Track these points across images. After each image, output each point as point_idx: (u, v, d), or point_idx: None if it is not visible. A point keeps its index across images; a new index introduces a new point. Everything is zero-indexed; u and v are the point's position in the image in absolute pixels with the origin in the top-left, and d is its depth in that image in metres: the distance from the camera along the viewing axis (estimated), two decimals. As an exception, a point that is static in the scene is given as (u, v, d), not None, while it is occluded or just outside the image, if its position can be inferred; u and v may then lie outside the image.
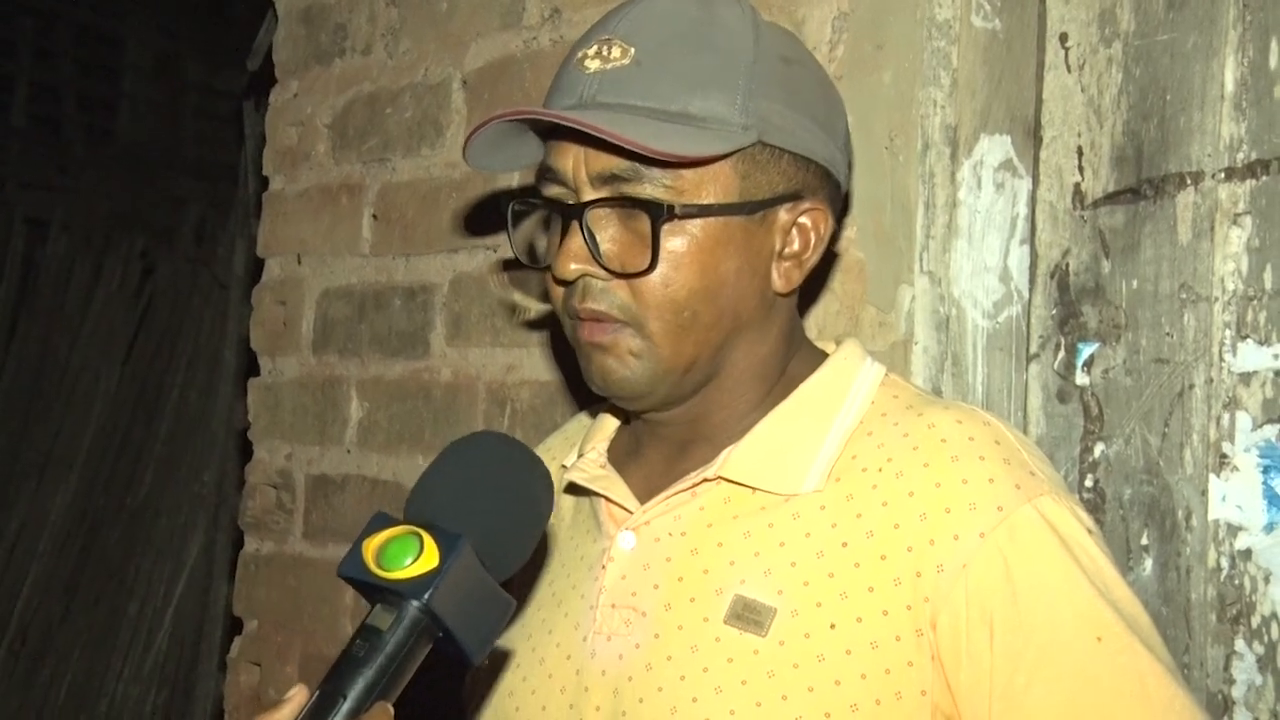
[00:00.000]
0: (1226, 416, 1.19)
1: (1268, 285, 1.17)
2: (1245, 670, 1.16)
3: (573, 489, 1.13)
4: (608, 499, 1.07)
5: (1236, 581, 1.17)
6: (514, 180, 1.64)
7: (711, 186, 0.98)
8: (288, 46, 2.05)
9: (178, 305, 4.88)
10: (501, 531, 0.87)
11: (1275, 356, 1.17)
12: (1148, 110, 1.25)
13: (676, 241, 0.97)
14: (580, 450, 1.14)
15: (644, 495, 1.06)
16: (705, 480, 1.02)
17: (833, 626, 0.92)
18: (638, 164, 0.96)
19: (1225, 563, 1.18)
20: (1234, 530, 1.18)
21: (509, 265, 1.68)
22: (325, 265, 1.96)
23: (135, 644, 4.51)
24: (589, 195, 0.98)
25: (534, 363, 1.64)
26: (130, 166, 6.13)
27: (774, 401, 1.04)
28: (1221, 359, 1.20)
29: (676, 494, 1.03)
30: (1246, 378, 1.18)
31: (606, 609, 1.03)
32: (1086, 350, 1.28)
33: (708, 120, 0.97)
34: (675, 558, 1.01)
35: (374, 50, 1.89)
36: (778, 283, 1.02)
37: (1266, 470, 1.16)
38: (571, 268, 0.98)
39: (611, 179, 0.97)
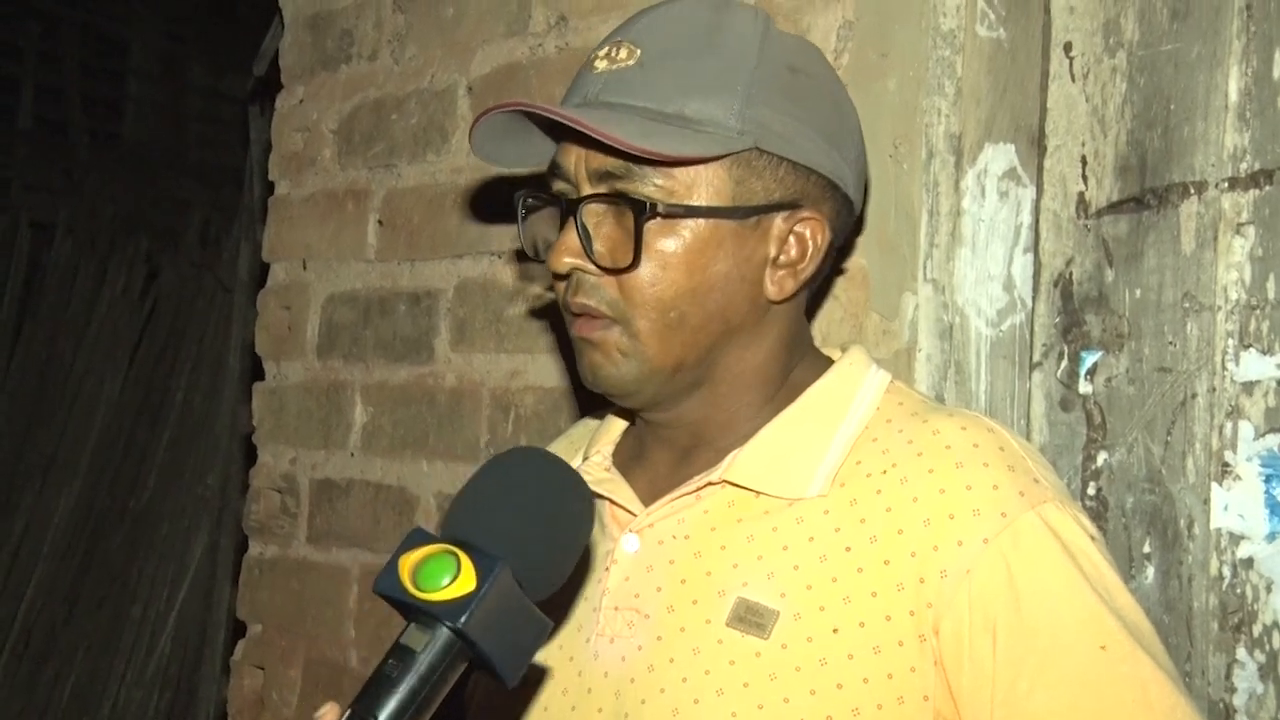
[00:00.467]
0: (1229, 425, 1.19)
1: (1270, 295, 1.18)
2: (1247, 679, 1.16)
3: None
4: (612, 501, 1.08)
5: (1238, 590, 1.18)
6: (522, 180, 1.65)
7: (704, 189, 0.99)
8: (294, 52, 2.06)
9: (182, 309, 4.89)
10: (540, 552, 0.85)
11: (1278, 366, 1.17)
12: (1152, 120, 1.26)
13: (666, 241, 0.98)
14: (585, 454, 1.15)
15: (648, 498, 1.06)
16: (710, 484, 1.02)
17: (835, 630, 0.93)
18: (631, 163, 0.97)
19: (1227, 571, 1.19)
20: (1236, 539, 1.18)
21: (521, 256, 1.69)
22: (330, 270, 1.96)
23: (138, 647, 4.51)
24: (587, 191, 1.00)
25: (538, 368, 1.65)
26: (135, 170, 6.16)
27: (778, 407, 1.05)
28: (1224, 368, 1.20)
29: (680, 497, 1.04)
30: (1249, 387, 1.19)
31: (610, 611, 1.03)
32: (1090, 359, 1.29)
33: (703, 123, 0.98)
34: (678, 560, 1.02)
35: (380, 56, 1.90)
36: (771, 290, 1.02)
37: (1269, 479, 1.17)
38: (565, 261, 1.00)
39: (607, 176, 0.99)
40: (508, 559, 0.81)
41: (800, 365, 1.08)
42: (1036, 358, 1.32)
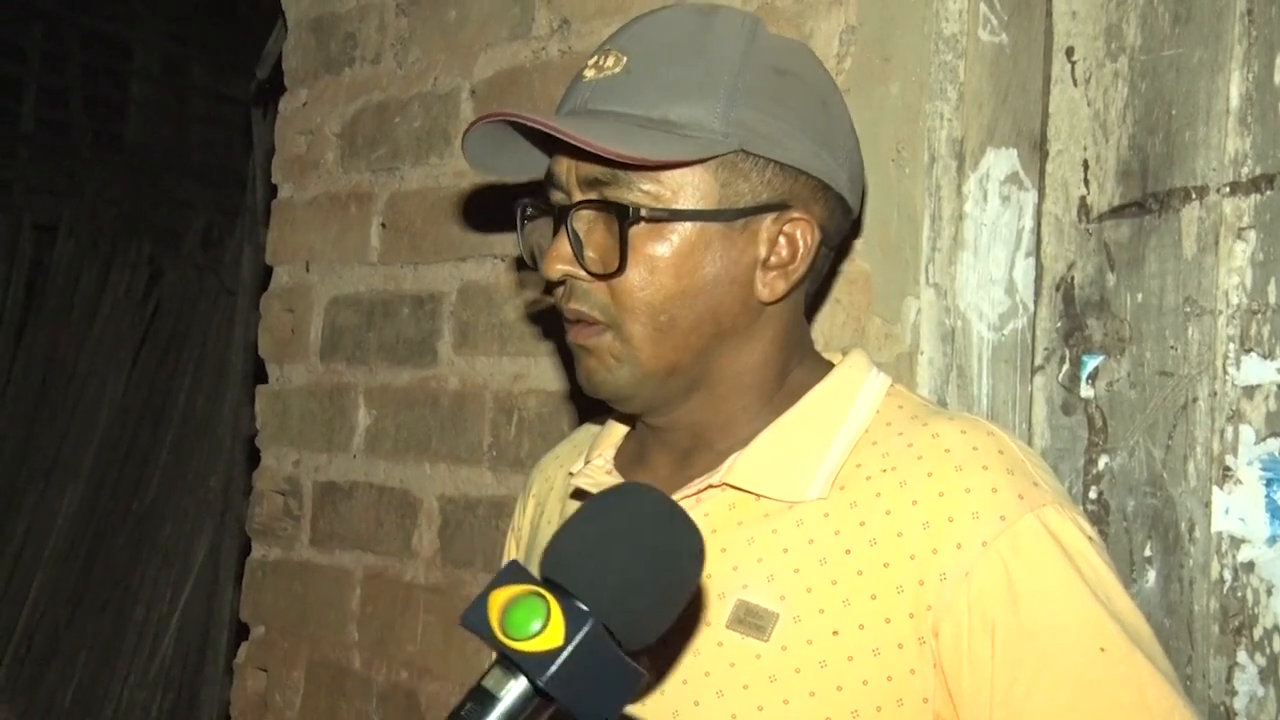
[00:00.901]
0: (1230, 429, 1.20)
1: (1271, 299, 1.18)
2: (1247, 682, 1.17)
3: (579, 494, 1.14)
4: None
5: (1239, 594, 1.18)
6: (522, 188, 1.66)
7: (690, 192, 0.99)
8: (297, 55, 2.06)
9: (184, 311, 4.89)
10: (641, 603, 0.80)
11: (1279, 370, 1.17)
12: (1153, 125, 1.26)
13: (654, 245, 0.99)
14: (587, 457, 1.15)
15: None
16: (710, 486, 1.03)
17: (835, 633, 0.93)
18: (617, 169, 0.97)
19: (1228, 575, 1.19)
20: (1237, 543, 1.19)
21: (520, 264, 1.70)
22: (333, 273, 1.97)
23: (141, 649, 4.52)
24: (577, 197, 1.01)
25: (541, 372, 1.66)
26: (137, 172, 6.17)
27: (778, 409, 1.05)
28: (1225, 372, 1.20)
29: (681, 500, 1.04)
30: (1250, 391, 1.19)
31: None
32: (1091, 363, 1.29)
33: (687, 127, 0.98)
34: None
35: (383, 59, 1.91)
36: (762, 291, 1.02)
37: (1269, 483, 1.17)
38: (556, 268, 1.01)
39: (595, 183, 0.99)
40: (601, 608, 0.77)
41: (800, 368, 1.08)
42: (1038, 361, 1.32)
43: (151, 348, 4.90)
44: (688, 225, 0.99)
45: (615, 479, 1.10)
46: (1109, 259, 1.28)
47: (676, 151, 0.97)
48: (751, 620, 0.97)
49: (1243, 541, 1.18)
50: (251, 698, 2.03)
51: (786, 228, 1.02)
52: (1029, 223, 1.34)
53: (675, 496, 1.04)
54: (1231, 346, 1.20)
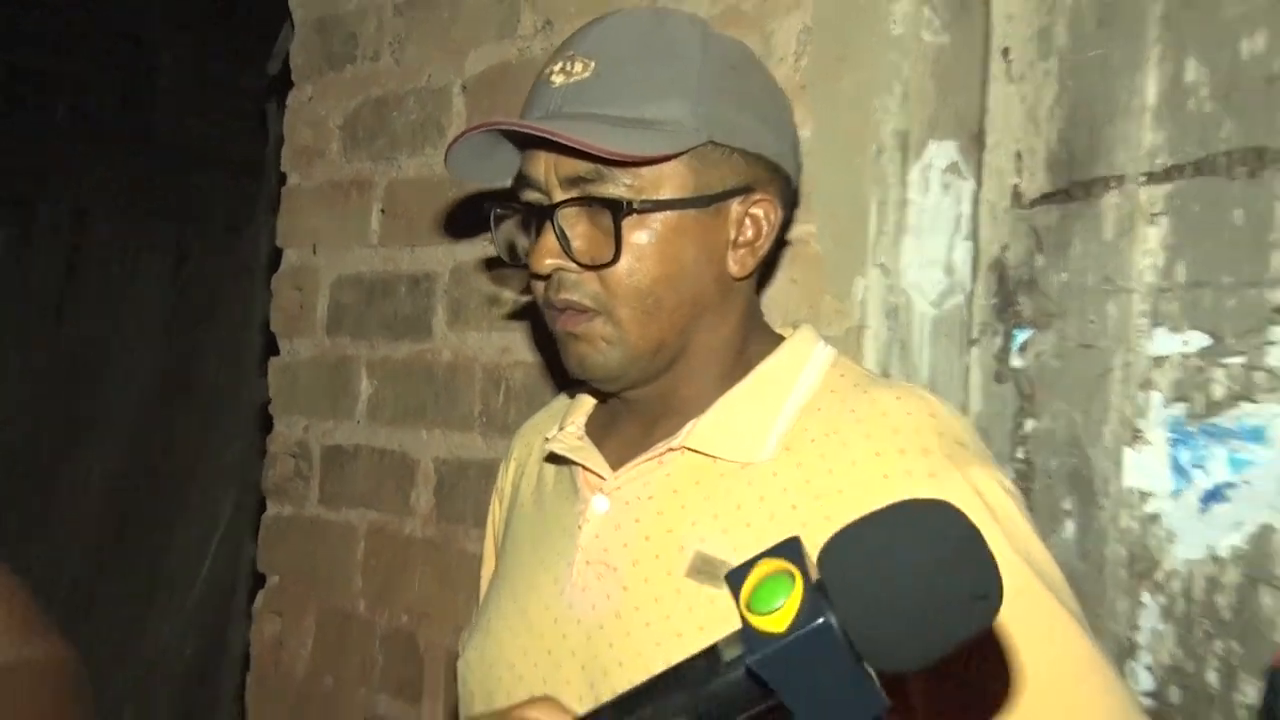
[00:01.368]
0: (1141, 396, 1.23)
1: (1180, 278, 1.21)
2: (1149, 618, 1.21)
3: (554, 459, 1.16)
4: (584, 467, 1.10)
5: (1144, 542, 1.22)
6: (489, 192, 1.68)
7: (668, 183, 1.00)
8: (303, 53, 2.07)
9: (208, 290, 4.91)
10: (899, 625, 0.68)
11: (1185, 343, 1.20)
12: (1079, 119, 1.28)
13: (639, 235, 1.00)
14: (561, 424, 1.16)
15: (616, 464, 1.08)
16: (671, 450, 1.04)
17: None
18: (600, 166, 0.98)
19: (1135, 525, 1.22)
20: (1144, 497, 1.22)
21: (493, 264, 1.71)
22: (337, 255, 1.99)
23: (174, 597, 4.56)
24: (559, 197, 1.01)
25: (526, 345, 1.68)
26: (165, 161, 6.15)
27: (734, 380, 1.06)
28: (1138, 344, 1.23)
29: (646, 462, 1.05)
30: (1159, 361, 1.22)
31: (582, 565, 1.05)
32: (1021, 336, 1.31)
33: (662, 123, 0.99)
34: (643, 519, 1.04)
35: (382, 57, 1.92)
36: (734, 268, 1.04)
37: (1174, 444, 1.20)
38: (547, 263, 1.01)
39: (578, 181, 1.00)
40: (847, 616, 0.67)
41: (755, 342, 1.09)
42: (974, 335, 1.35)
43: (180, 324, 4.92)
44: (669, 214, 1.00)
45: (586, 445, 1.11)
46: (1038, 242, 1.31)
47: (659, 146, 0.98)
48: (708, 570, 0.98)
49: (1149, 495, 1.22)
50: (268, 640, 2.07)
51: (752, 209, 1.04)
52: (967, 209, 1.35)
53: (640, 459, 1.06)
54: (1144, 321, 1.23)
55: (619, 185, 0.99)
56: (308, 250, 2.04)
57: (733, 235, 1.04)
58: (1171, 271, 1.22)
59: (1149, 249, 1.23)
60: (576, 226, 1.01)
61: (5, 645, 1.20)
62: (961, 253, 1.35)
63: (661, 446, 1.05)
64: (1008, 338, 1.32)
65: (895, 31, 1.32)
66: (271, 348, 2.12)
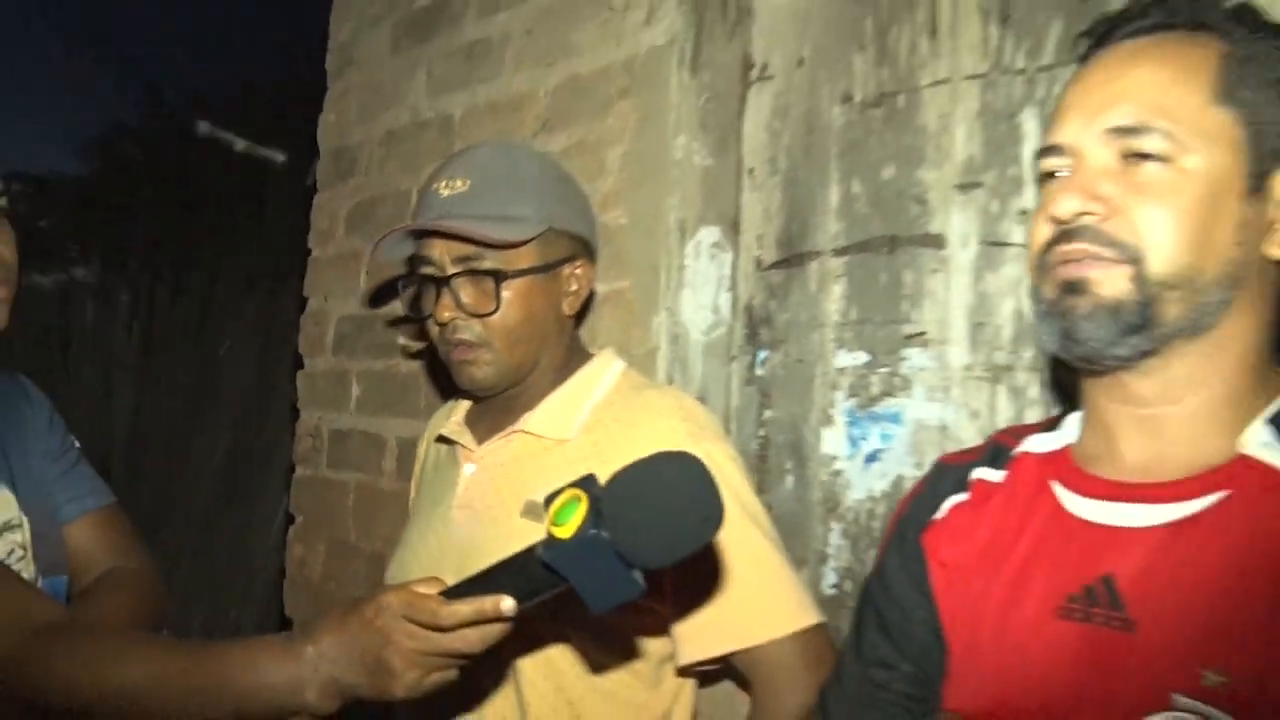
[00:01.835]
0: (831, 394, 1.25)
1: (853, 317, 1.24)
2: (834, 539, 1.24)
3: (442, 440, 1.17)
4: (462, 445, 1.11)
5: (833, 489, 1.24)
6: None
7: (525, 258, 1.02)
8: (325, 169, 2.06)
9: (277, 327, 4.83)
10: (649, 539, 0.68)
11: (855, 359, 1.24)
12: (794, 214, 1.31)
13: (508, 293, 1.02)
14: (450, 417, 1.17)
15: (481, 441, 1.10)
16: (514, 432, 1.07)
17: None
18: (481, 248, 1.00)
19: (828, 478, 1.24)
20: (832, 459, 1.24)
21: (397, 321, 1.73)
22: (341, 302, 1.97)
23: (264, 533, 4.45)
24: (452, 270, 1.02)
25: (440, 368, 1.66)
26: (258, 237, 6.05)
27: (558, 384, 1.09)
28: (829, 360, 1.26)
29: (499, 440, 1.08)
30: (842, 371, 1.25)
31: (458, 509, 1.08)
32: (762, 355, 1.33)
33: (519, 218, 1.01)
34: (495, 478, 1.06)
35: (370, 173, 1.92)
36: (566, 311, 1.07)
37: (850, 425, 1.23)
38: (447, 315, 1.02)
39: (465, 259, 1.01)
40: (615, 530, 0.66)
41: (574, 359, 1.12)
42: (733, 354, 1.36)
43: (265, 351, 4.83)
44: (527, 277, 1.02)
45: (463, 430, 1.13)
46: (771, 293, 1.33)
47: (520, 234, 1.01)
48: (533, 511, 1.00)
49: (835, 458, 1.24)
50: (296, 560, 2.04)
51: (576, 270, 1.07)
52: (728, 271, 1.36)
53: (494, 439, 1.07)
54: (832, 345, 1.26)
55: (494, 260, 1.00)
56: (321, 299, 2.02)
57: (565, 288, 1.06)
58: (848, 313, 1.24)
59: (835, 298, 1.25)
60: (466, 290, 1.02)
61: (108, 558, 1.17)
62: (725, 300, 1.36)
63: (509, 429, 1.07)
64: (754, 356, 1.33)
65: (677, 157, 1.35)
66: (299, 363, 2.09)
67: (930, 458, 1.05)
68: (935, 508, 0.80)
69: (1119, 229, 0.64)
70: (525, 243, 1.01)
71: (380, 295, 1.82)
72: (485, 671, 0.98)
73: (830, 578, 1.22)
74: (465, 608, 0.72)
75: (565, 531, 0.67)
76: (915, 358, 1.15)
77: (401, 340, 1.74)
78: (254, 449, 4.62)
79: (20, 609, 0.87)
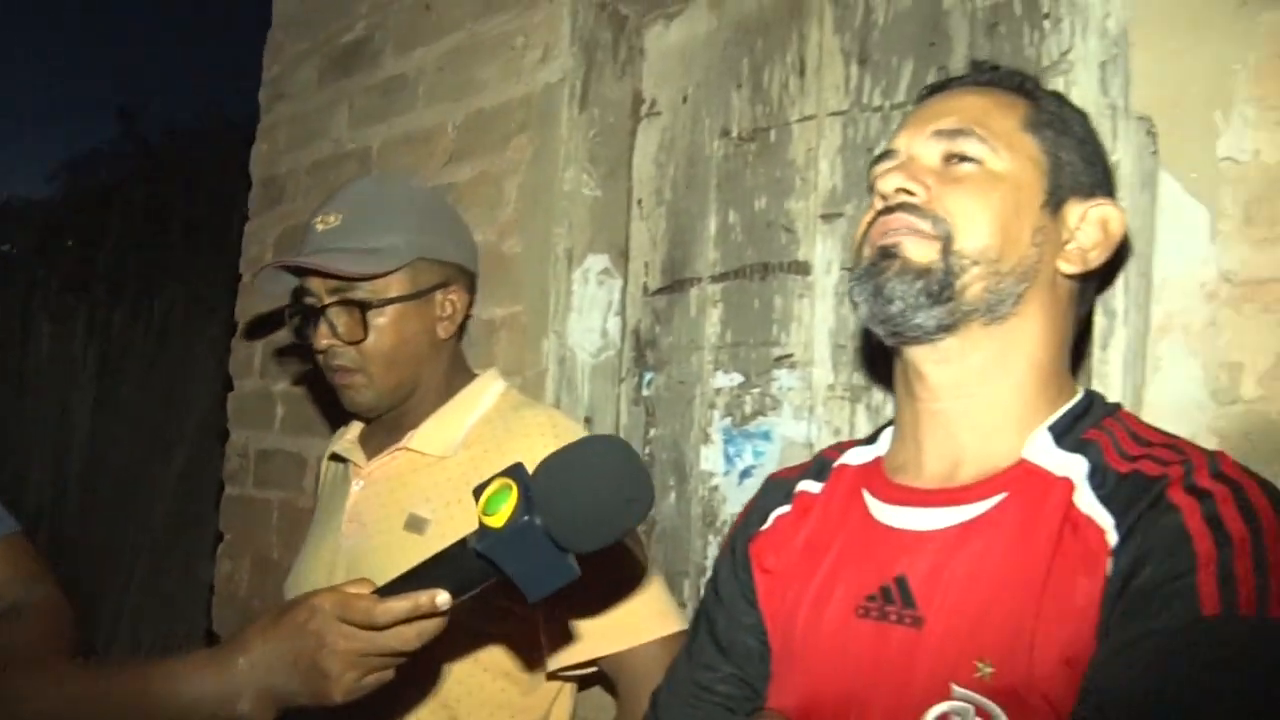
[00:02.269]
0: (710, 413, 1.28)
1: (729, 340, 1.28)
2: (714, 551, 1.22)
3: (336, 458, 1.17)
4: (353, 461, 1.12)
5: (711, 503, 1.26)
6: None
7: (395, 286, 1.04)
8: (256, 198, 2.06)
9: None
10: (584, 519, 0.65)
11: (731, 380, 1.27)
12: (677, 243, 1.34)
13: (378, 320, 1.04)
14: (343, 436, 1.17)
15: (369, 459, 1.11)
16: (399, 449, 1.09)
17: (459, 531, 0.97)
18: (353, 281, 1.02)
19: (706, 493, 1.26)
20: (710, 475, 1.26)
21: (286, 350, 1.75)
22: (265, 326, 1.95)
23: (204, 548, 4.36)
24: (327, 300, 1.05)
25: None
26: (223, 266, 5.98)
27: (441, 403, 1.10)
28: (708, 381, 1.28)
29: (384, 457, 1.10)
30: (719, 391, 1.27)
31: (347, 521, 1.10)
32: (648, 376, 1.35)
33: (389, 251, 1.04)
34: (381, 493, 1.08)
35: (296, 200, 1.92)
36: (440, 334, 1.09)
37: (726, 442, 1.26)
38: (323, 343, 1.05)
39: (338, 290, 1.04)
40: (548, 516, 0.64)
41: (457, 379, 1.14)
42: (621, 375, 1.39)
43: (220, 374, 4.77)
44: (398, 305, 1.04)
45: (355, 448, 1.14)
46: (657, 318, 1.35)
47: (385, 266, 1.03)
48: (416, 524, 1.02)
49: (713, 474, 1.26)
50: (224, 576, 2.01)
51: (449, 296, 1.09)
52: (616, 296, 1.38)
53: (381, 456, 1.08)
54: (710, 366, 1.28)
55: (364, 291, 1.03)
56: (248, 323, 2.00)
57: (439, 313, 1.08)
58: (724, 336, 1.27)
59: (713, 322, 1.28)
60: (339, 319, 1.04)
61: (17, 588, 1.14)
62: (614, 324, 1.38)
63: (394, 447, 1.09)
64: (640, 377, 1.35)
65: (567, 187, 1.36)
66: (228, 386, 2.07)
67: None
68: (764, 520, 0.82)
69: (934, 208, 0.70)
70: (390, 274, 1.02)
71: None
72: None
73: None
74: (400, 604, 0.69)
75: (497, 521, 0.64)
76: (784, 378, 1.18)
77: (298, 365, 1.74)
78: (208, 471, 4.55)
79: None
